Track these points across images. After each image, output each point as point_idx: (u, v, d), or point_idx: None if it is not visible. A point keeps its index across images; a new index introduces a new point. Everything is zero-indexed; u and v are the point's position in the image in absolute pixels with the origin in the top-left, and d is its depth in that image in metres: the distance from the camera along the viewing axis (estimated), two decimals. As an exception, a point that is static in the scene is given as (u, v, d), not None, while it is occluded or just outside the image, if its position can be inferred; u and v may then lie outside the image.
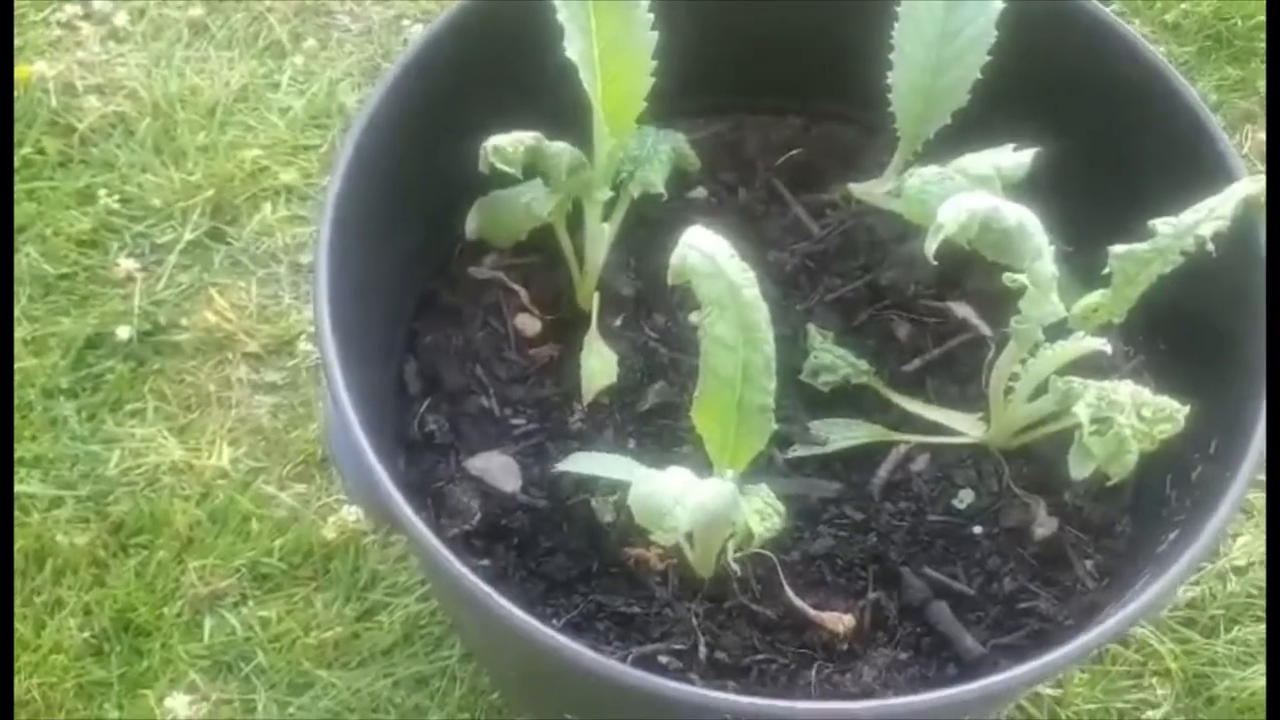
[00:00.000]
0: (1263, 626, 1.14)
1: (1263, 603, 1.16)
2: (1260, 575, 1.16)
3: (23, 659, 1.09)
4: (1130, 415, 0.73)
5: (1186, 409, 0.75)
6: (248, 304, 1.29)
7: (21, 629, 1.10)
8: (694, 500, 0.67)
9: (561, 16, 0.82)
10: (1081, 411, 0.74)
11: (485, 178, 0.92)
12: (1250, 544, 1.18)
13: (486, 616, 0.67)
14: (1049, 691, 1.10)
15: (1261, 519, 1.20)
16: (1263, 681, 1.11)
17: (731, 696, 0.67)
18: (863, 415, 0.95)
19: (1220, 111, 1.47)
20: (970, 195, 0.73)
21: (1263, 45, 1.50)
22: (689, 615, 0.86)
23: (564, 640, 0.66)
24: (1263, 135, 1.46)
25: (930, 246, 0.74)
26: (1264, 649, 1.13)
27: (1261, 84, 1.49)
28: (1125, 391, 0.75)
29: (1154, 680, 1.12)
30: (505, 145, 0.84)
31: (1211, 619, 1.14)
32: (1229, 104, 1.47)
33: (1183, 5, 1.53)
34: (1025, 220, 0.73)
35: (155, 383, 1.24)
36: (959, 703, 0.65)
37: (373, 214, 0.87)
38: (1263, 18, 1.51)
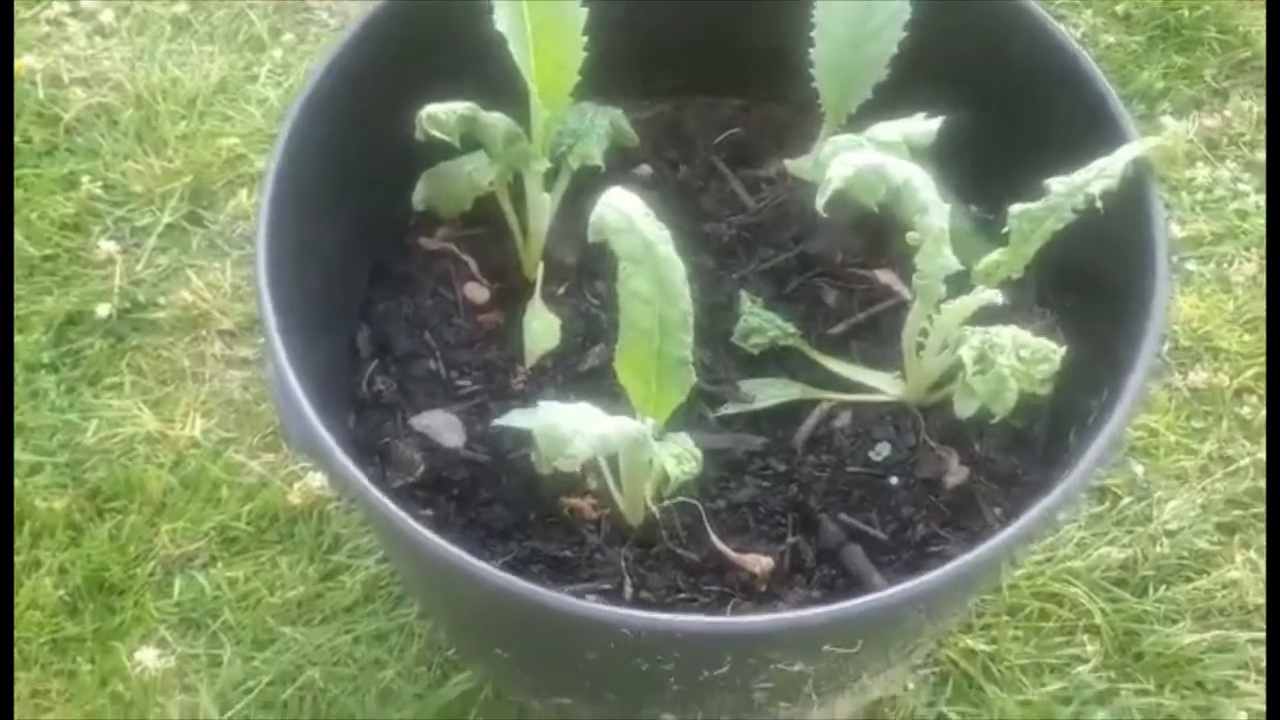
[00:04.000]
0: (1191, 586, 1.18)
1: (1194, 564, 1.20)
2: (1190, 539, 1.21)
3: None
4: (1010, 356, 0.78)
5: (1063, 349, 0.80)
6: (223, 284, 1.35)
7: None
8: (593, 431, 0.72)
9: (491, -8, 0.88)
10: (965, 354, 0.79)
11: (434, 151, 0.98)
12: (1180, 508, 1.22)
13: (408, 546, 0.72)
14: (983, 647, 1.15)
15: (1196, 483, 1.24)
16: (1189, 638, 1.15)
17: (626, 610, 0.71)
18: (789, 375, 0.99)
19: (1168, 98, 1.52)
20: (857, 153, 0.78)
21: (1209, 34, 1.55)
22: (618, 559, 0.91)
23: (467, 557, 0.70)
24: (1210, 121, 1.51)
25: (820, 200, 0.79)
26: (1191, 609, 1.17)
27: (1208, 71, 1.54)
28: (1007, 335, 0.79)
29: (1084, 636, 1.16)
30: (439, 113, 0.89)
31: (1142, 579, 1.19)
32: (1176, 91, 1.52)
33: (1133, -4, 1.58)
34: (912, 176, 0.78)
35: (133, 358, 1.30)
36: (841, 619, 0.70)
37: (318, 186, 0.92)
38: (1209, 8, 1.57)
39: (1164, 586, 1.18)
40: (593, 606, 0.70)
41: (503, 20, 0.88)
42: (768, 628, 0.70)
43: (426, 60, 0.98)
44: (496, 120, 0.93)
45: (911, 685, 1.13)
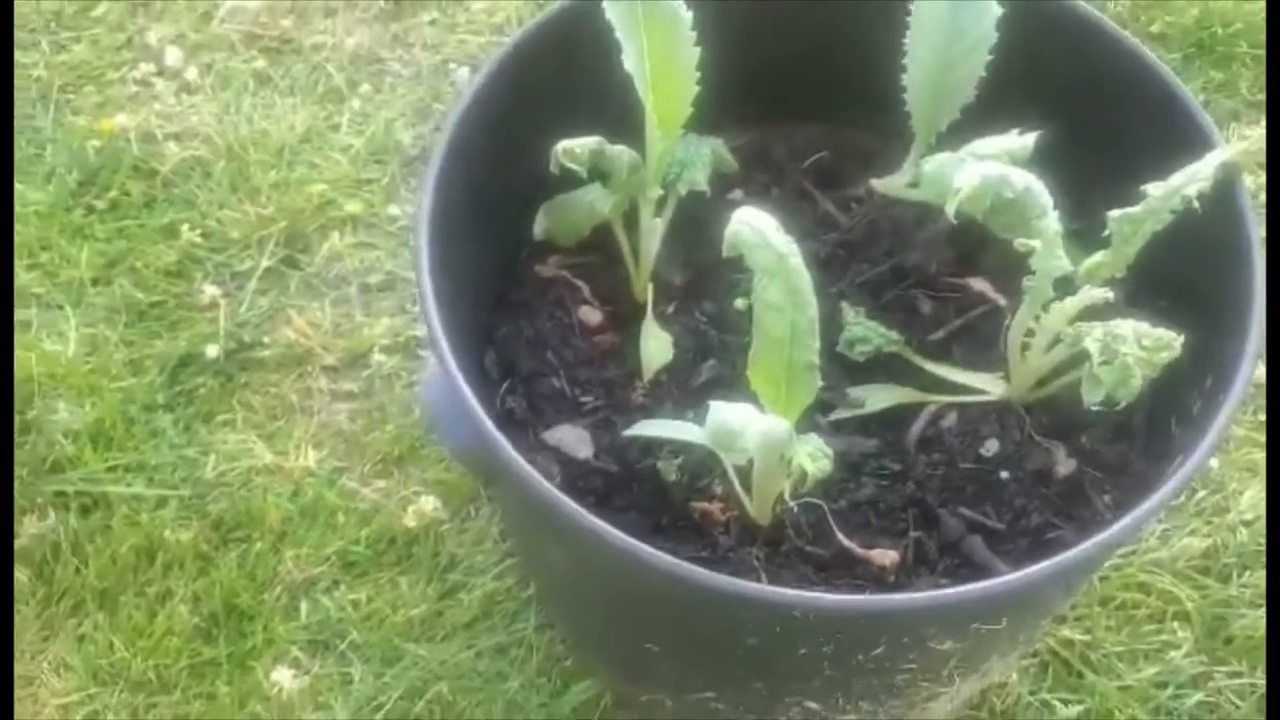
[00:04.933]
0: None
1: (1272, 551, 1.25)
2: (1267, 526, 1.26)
3: (138, 644, 1.20)
4: (1133, 346, 0.84)
5: (1182, 337, 0.86)
6: (323, 322, 1.41)
7: (136, 616, 1.21)
8: (758, 427, 0.78)
9: (619, 34, 0.94)
10: (1091, 345, 0.85)
11: (545, 186, 1.05)
12: (1255, 498, 1.28)
13: (583, 537, 0.77)
14: (1079, 636, 1.20)
15: (1265, 478, 1.30)
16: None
17: (797, 591, 0.77)
18: (895, 380, 1.05)
19: (1207, 112, 1.57)
20: (981, 164, 0.85)
21: (1242, 50, 1.62)
22: (750, 558, 0.96)
23: (654, 551, 0.76)
24: (1250, 131, 1.58)
25: (950, 208, 0.85)
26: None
27: (1243, 85, 1.61)
28: (1128, 327, 0.86)
29: (1175, 623, 1.21)
30: (574, 147, 0.96)
31: (1225, 566, 1.24)
32: (1215, 104, 1.59)
33: (1167, 17, 1.66)
34: (1031, 184, 0.85)
35: (243, 395, 1.36)
36: (994, 594, 0.76)
37: (459, 223, 0.98)
38: (1241, 25, 1.64)
39: (1247, 573, 1.24)
40: (768, 588, 0.76)
41: (628, 59, 0.94)
42: (931, 602, 0.76)
43: (538, 102, 1.05)
44: (620, 152, 1.00)
45: (1015, 675, 1.18)
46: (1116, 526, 0.78)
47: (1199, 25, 1.65)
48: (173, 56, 1.63)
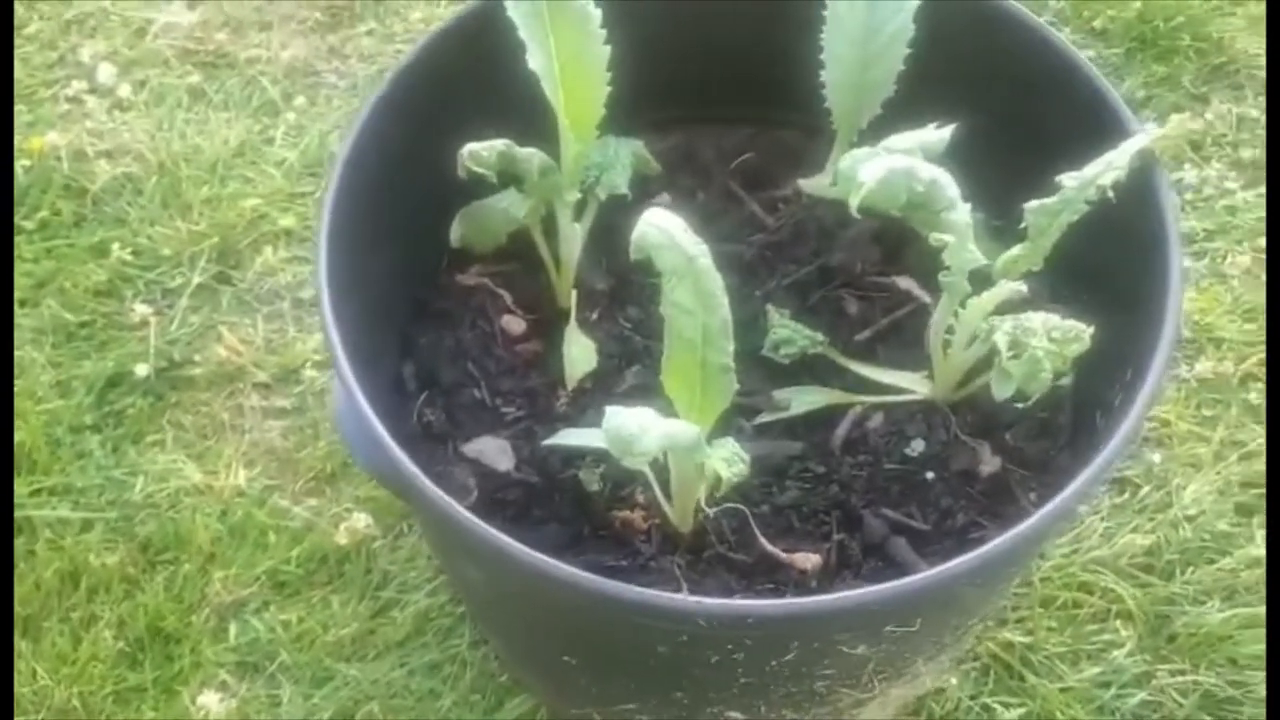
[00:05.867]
0: (1215, 566, 1.22)
1: (1216, 546, 1.24)
2: (1211, 521, 1.25)
3: (62, 671, 1.17)
4: (1042, 339, 0.82)
5: (1092, 329, 0.84)
6: (255, 339, 1.39)
7: (60, 643, 1.18)
8: (659, 430, 0.76)
9: (523, 34, 0.92)
10: (1000, 339, 0.84)
11: (464, 193, 1.03)
12: (1198, 492, 1.26)
13: (489, 553, 0.75)
14: (1020, 639, 1.18)
15: (1211, 469, 1.28)
16: (1219, 616, 1.19)
17: (699, 599, 0.75)
18: (820, 382, 1.03)
19: (1150, 105, 1.58)
20: (888, 158, 0.83)
21: (1185, 43, 1.62)
22: (671, 566, 0.94)
23: (556, 563, 0.74)
24: (1192, 124, 1.57)
25: (854, 202, 0.84)
26: (1218, 588, 1.21)
27: (1185, 78, 1.60)
28: (1038, 319, 0.84)
29: (1117, 622, 1.19)
30: (480, 150, 0.94)
31: (1168, 563, 1.22)
32: (1158, 98, 1.58)
33: (1109, 12, 1.65)
34: (939, 176, 0.83)
35: (173, 414, 1.34)
36: (904, 594, 0.74)
37: (365, 229, 0.97)
38: (1182, 19, 1.63)
39: (1190, 569, 1.22)
40: (669, 596, 0.74)
41: (534, 59, 0.93)
42: (836, 606, 0.74)
43: (451, 107, 1.03)
44: (531, 155, 0.98)
45: (955, 680, 1.16)
46: (1026, 522, 0.76)
47: (1141, 20, 1.65)
48: (105, 73, 1.61)
